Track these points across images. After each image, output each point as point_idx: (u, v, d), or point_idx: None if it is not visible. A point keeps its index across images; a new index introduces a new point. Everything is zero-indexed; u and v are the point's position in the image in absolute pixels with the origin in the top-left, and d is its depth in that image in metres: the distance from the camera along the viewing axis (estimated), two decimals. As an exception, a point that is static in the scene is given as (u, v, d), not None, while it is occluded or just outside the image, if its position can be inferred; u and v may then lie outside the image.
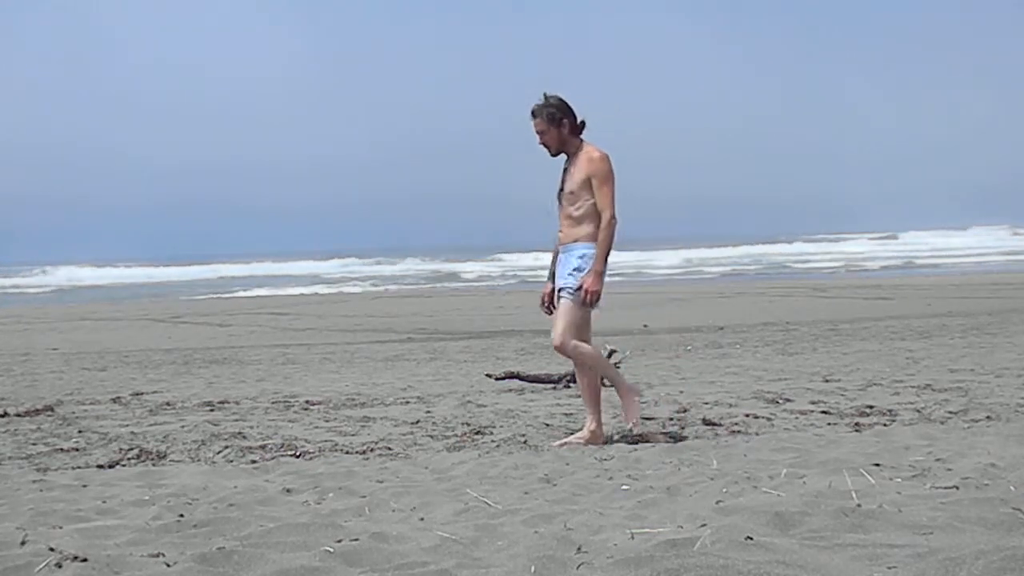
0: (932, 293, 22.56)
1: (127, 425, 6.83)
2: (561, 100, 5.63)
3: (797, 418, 6.45)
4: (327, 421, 6.88)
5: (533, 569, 3.16)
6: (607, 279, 5.70)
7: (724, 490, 4.22)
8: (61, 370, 11.30)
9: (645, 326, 15.92)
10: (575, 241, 5.63)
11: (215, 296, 34.49)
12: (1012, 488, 3.96)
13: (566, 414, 6.86)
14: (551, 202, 5.80)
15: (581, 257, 5.60)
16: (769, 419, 6.42)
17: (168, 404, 7.91)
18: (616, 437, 5.94)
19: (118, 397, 8.44)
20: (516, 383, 8.53)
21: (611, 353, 8.64)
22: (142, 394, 8.65)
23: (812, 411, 6.68)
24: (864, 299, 21.45)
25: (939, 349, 10.71)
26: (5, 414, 7.31)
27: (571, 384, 8.28)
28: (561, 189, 5.69)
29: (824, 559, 3.15)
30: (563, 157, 5.72)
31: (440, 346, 13.53)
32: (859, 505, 3.75)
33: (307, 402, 7.82)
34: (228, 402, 7.94)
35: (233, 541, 3.55)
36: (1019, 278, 28.23)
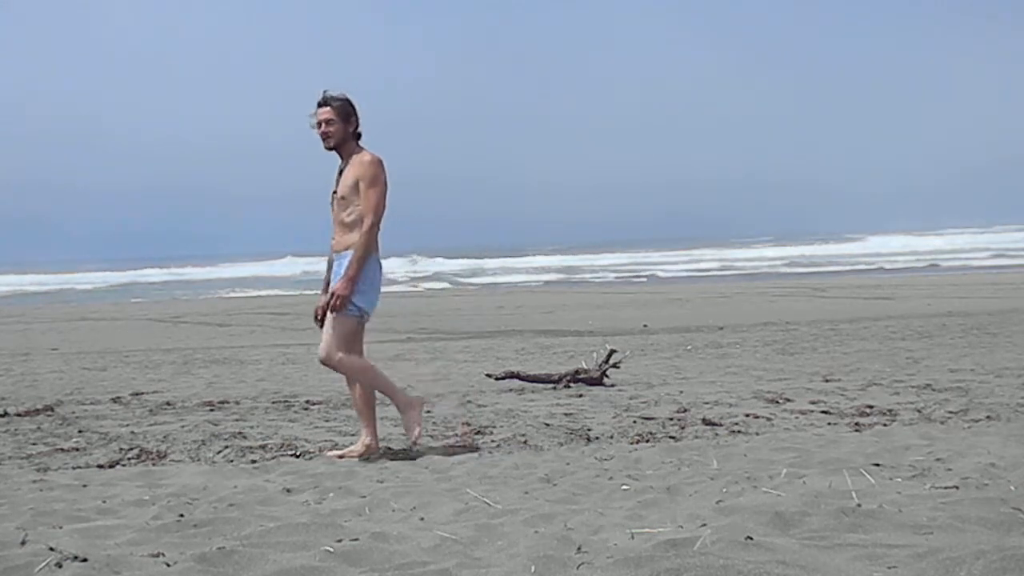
0: (932, 293, 22.56)
1: (127, 425, 6.83)
2: (349, 98, 5.46)
3: (797, 418, 6.45)
4: (327, 421, 6.88)
5: (533, 569, 3.16)
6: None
7: (724, 490, 4.23)
8: (61, 370, 11.29)
9: (645, 326, 15.91)
10: (347, 248, 5.39)
11: (216, 296, 34.51)
12: (1012, 488, 3.97)
13: (566, 414, 6.86)
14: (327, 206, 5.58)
15: (347, 266, 5.38)
16: (769, 419, 6.42)
17: (168, 404, 7.91)
18: (616, 437, 5.95)
19: (118, 397, 8.44)
20: (516, 383, 8.53)
21: (611, 353, 8.65)
22: (142, 394, 8.64)
23: (812, 411, 6.68)
24: (864, 299, 21.45)
25: (939, 349, 10.71)
26: (5, 414, 7.31)
27: (571, 384, 8.29)
28: (334, 192, 5.49)
29: (824, 559, 3.15)
30: (337, 160, 5.51)
31: (440, 346, 13.53)
32: (859, 505, 3.75)
33: (307, 402, 7.82)
34: (228, 402, 7.94)
35: (233, 541, 3.55)
36: (1019, 278, 28.23)
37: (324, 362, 5.48)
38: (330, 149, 5.52)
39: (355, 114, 5.48)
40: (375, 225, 5.37)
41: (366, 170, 5.38)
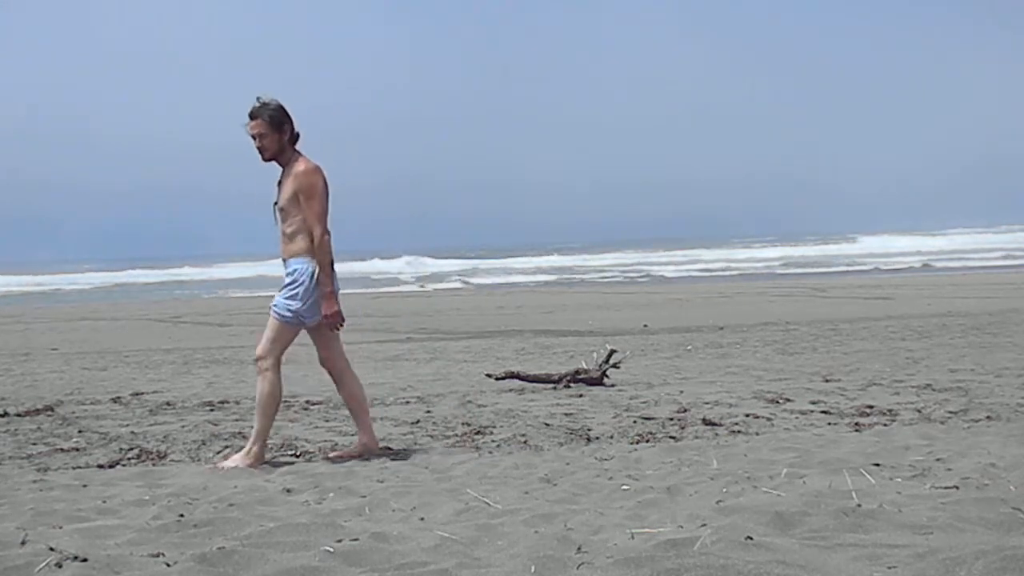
0: (932, 293, 22.57)
1: (127, 425, 6.83)
2: (281, 105, 5.33)
3: (797, 418, 6.45)
4: (327, 421, 6.89)
5: (533, 569, 3.17)
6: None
7: (724, 490, 4.23)
8: (61, 370, 11.29)
9: (645, 326, 15.91)
10: (292, 256, 5.35)
11: (215, 296, 34.52)
12: (1012, 488, 3.97)
13: (566, 414, 6.87)
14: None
15: (291, 272, 5.34)
16: (769, 419, 6.42)
17: (168, 404, 7.92)
18: (616, 437, 5.95)
19: (118, 397, 8.44)
20: (516, 383, 8.53)
21: (611, 353, 8.65)
22: (142, 394, 8.64)
23: (812, 411, 6.68)
24: (864, 299, 21.45)
25: (939, 349, 10.71)
26: (5, 414, 7.31)
27: (571, 384, 8.29)
28: (275, 203, 5.41)
29: (824, 559, 3.15)
30: (277, 167, 5.42)
31: (440, 346, 13.53)
32: (859, 505, 3.75)
33: (307, 402, 7.82)
34: (228, 402, 7.94)
35: (233, 541, 3.55)
36: (1019, 278, 28.23)
37: (256, 360, 5.46)
38: (268, 160, 5.39)
39: (288, 121, 5.34)
40: (324, 233, 5.29)
41: (302, 181, 5.27)
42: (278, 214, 5.43)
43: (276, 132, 5.31)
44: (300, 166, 5.31)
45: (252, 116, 5.33)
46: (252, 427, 5.51)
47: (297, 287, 5.33)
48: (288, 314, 5.36)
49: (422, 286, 39.75)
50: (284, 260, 5.44)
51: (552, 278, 42.70)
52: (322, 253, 5.30)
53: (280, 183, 5.41)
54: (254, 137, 5.34)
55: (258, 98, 5.35)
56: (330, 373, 5.68)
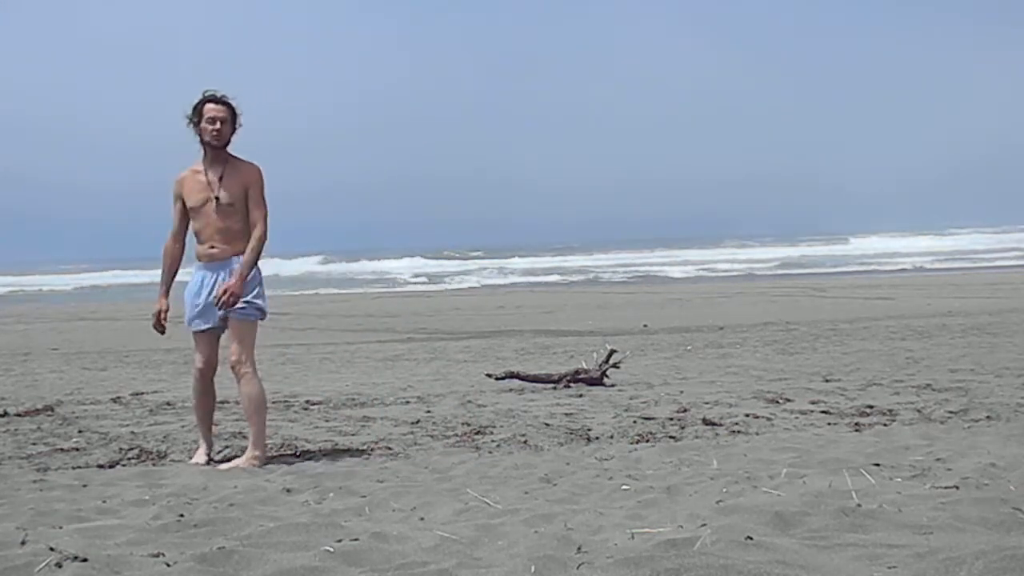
0: (932, 293, 22.57)
1: (127, 425, 6.83)
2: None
3: (797, 418, 6.45)
4: (327, 421, 6.89)
5: (533, 569, 3.16)
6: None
7: (724, 490, 4.23)
8: (61, 370, 11.29)
9: (645, 326, 15.92)
10: (235, 255, 5.35)
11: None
12: (1012, 488, 3.97)
13: (566, 414, 6.87)
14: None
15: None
16: (769, 419, 6.42)
17: (168, 404, 7.92)
18: (615, 437, 5.95)
19: (118, 397, 8.44)
20: (516, 383, 8.53)
21: (611, 353, 8.66)
22: (142, 394, 8.65)
23: (812, 411, 6.69)
24: (864, 299, 21.45)
25: (939, 349, 10.71)
26: (5, 414, 7.31)
27: (571, 384, 8.29)
28: (216, 199, 5.33)
29: (824, 559, 3.15)
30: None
31: (440, 346, 13.53)
32: (859, 505, 3.75)
33: (307, 402, 7.82)
34: (228, 402, 7.93)
35: (233, 541, 3.55)
36: (1019, 278, 28.23)
37: (234, 367, 5.45)
38: (217, 148, 5.33)
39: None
40: (266, 231, 5.36)
41: (257, 178, 5.36)
42: (220, 210, 5.34)
43: (232, 125, 5.36)
44: (252, 164, 5.40)
45: (221, 101, 5.33)
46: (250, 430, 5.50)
47: (256, 285, 5.39)
48: (258, 313, 5.42)
49: (423, 286, 39.75)
50: (219, 260, 5.38)
51: (552, 278, 42.70)
52: (258, 246, 5.36)
53: (220, 178, 5.34)
54: (213, 120, 5.29)
55: (211, 90, 5.33)
56: (218, 371, 5.62)
